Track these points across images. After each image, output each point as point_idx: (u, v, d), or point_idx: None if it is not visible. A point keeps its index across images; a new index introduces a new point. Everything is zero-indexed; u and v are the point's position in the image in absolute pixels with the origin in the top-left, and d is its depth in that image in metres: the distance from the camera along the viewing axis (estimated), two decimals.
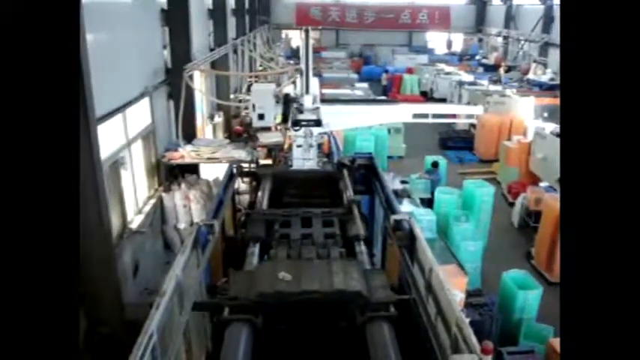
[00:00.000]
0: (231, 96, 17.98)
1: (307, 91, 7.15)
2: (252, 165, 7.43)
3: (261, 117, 7.36)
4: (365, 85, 24.79)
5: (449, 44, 44.35)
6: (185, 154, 10.47)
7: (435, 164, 13.86)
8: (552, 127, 15.16)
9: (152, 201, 9.65)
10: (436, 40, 44.34)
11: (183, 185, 10.12)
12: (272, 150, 11.07)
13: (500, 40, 38.28)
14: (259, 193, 6.37)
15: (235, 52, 19.87)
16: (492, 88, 21.86)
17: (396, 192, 9.41)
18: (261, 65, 22.21)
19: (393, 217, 4.84)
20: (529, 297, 8.35)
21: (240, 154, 10.46)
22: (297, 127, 7.02)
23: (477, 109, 15.11)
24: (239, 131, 15.21)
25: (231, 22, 20.55)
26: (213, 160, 10.43)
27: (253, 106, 7.37)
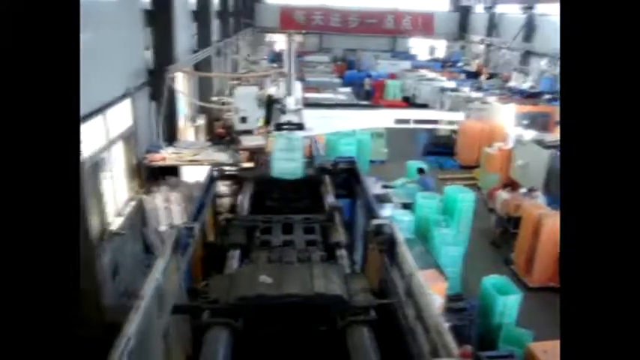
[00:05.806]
0: (214, 98, 17.93)
1: (290, 93, 7.15)
2: (234, 168, 7.38)
3: (243, 120, 7.35)
4: (348, 89, 24.81)
5: (431, 50, 44.67)
6: (166, 156, 10.40)
7: (421, 170, 13.48)
8: (532, 134, 15.36)
9: (133, 203, 9.56)
10: (419, 46, 44.64)
11: (164, 187, 10.04)
12: (254, 153, 11.04)
13: (482, 47, 38.68)
14: (240, 197, 6.33)
15: (219, 54, 19.82)
16: (474, 94, 22.06)
17: (377, 196, 9.43)
18: (244, 68, 22.17)
19: (374, 222, 4.85)
20: (508, 302, 8.43)
21: (222, 156, 10.42)
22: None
23: (459, 116, 15.36)
24: (221, 134, 15.18)
25: (215, 24, 20.50)
26: (195, 162, 10.37)
27: (236, 109, 7.33)
